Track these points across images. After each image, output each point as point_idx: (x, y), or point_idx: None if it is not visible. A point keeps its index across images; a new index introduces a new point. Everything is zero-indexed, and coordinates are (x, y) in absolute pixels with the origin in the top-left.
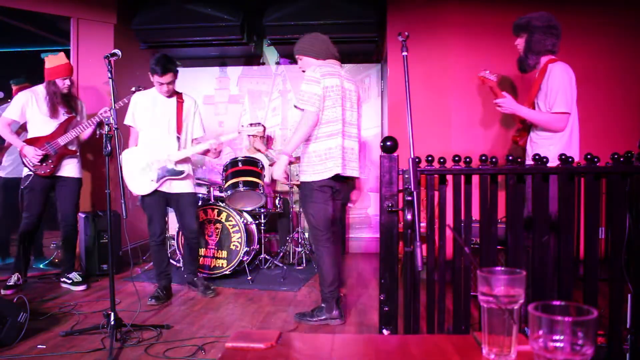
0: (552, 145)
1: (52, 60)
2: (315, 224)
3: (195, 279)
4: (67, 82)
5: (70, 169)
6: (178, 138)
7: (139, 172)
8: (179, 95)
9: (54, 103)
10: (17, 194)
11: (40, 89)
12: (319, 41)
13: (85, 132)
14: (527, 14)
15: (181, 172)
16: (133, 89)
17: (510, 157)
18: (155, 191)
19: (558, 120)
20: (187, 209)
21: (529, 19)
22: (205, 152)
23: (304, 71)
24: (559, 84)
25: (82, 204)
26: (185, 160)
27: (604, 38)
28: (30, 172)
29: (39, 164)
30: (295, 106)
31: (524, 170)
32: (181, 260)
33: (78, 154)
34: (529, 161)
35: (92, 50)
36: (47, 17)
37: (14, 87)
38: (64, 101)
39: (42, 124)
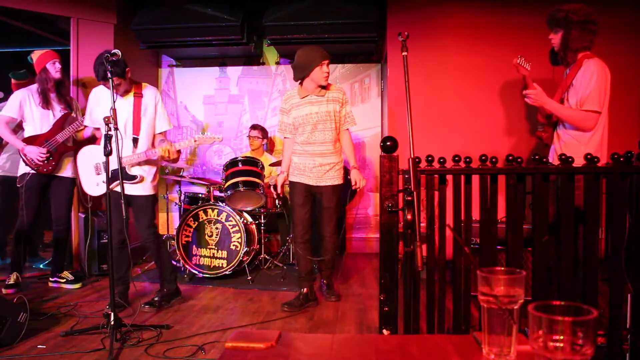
0: (583, 145)
1: (37, 53)
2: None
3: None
4: (57, 64)
5: (67, 168)
6: (135, 139)
7: (91, 171)
8: (137, 88)
9: (45, 90)
10: (13, 192)
11: (35, 86)
12: None
13: (86, 131)
14: (564, 5)
15: (134, 177)
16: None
17: (510, 157)
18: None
19: (588, 119)
20: (140, 212)
21: (566, 13)
22: (160, 158)
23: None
24: (592, 81)
25: (80, 204)
26: (141, 163)
27: (604, 38)
28: (29, 171)
29: (43, 162)
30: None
31: (524, 170)
32: (180, 260)
33: (74, 151)
34: (554, 159)
35: (92, 50)
36: (47, 17)
37: (13, 81)
38: (57, 91)
39: (38, 120)
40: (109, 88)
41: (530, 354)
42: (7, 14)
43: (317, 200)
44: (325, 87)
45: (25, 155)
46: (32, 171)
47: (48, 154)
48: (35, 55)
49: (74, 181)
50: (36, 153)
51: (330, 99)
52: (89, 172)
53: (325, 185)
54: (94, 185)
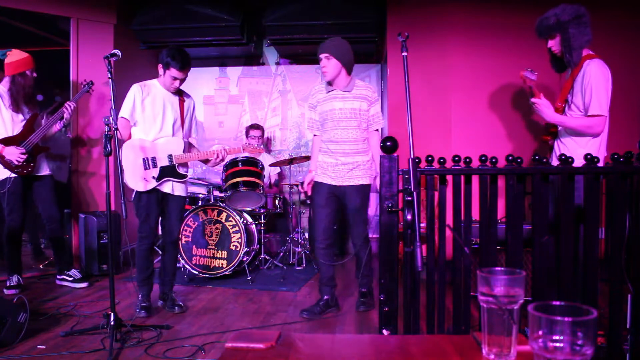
0: (581, 147)
1: (16, 54)
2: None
3: (165, 292)
4: (34, 73)
5: (44, 167)
6: (182, 138)
7: (139, 167)
8: (180, 93)
9: (18, 94)
10: None
11: (2, 88)
12: (352, 53)
13: (54, 127)
14: (547, 11)
15: (184, 176)
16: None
17: (510, 157)
18: (154, 189)
19: (596, 124)
20: (175, 212)
21: (555, 17)
22: (205, 160)
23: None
24: (595, 84)
25: (80, 204)
26: (185, 164)
27: (604, 38)
28: (11, 175)
29: (22, 163)
30: (377, 129)
31: (524, 171)
32: (180, 261)
33: (50, 150)
34: (555, 161)
35: (92, 50)
36: (47, 17)
37: None
38: (27, 96)
39: (10, 123)
40: (178, 78)
41: (530, 354)
42: (7, 14)
43: (342, 202)
44: (343, 82)
45: (4, 157)
46: (13, 175)
47: (27, 155)
48: (15, 56)
49: (53, 178)
50: (16, 154)
51: (357, 95)
52: (136, 166)
53: (349, 185)
54: (139, 179)
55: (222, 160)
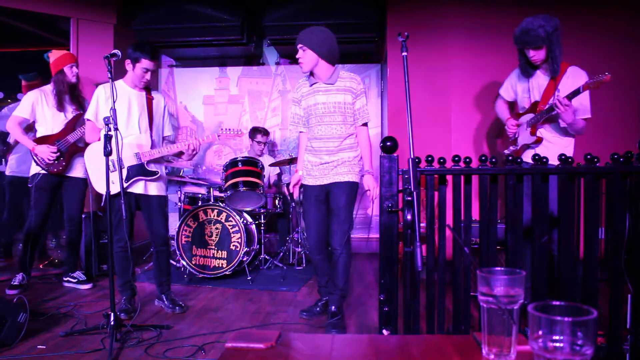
0: (569, 146)
1: (56, 53)
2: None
3: (162, 294)
4: (75, 69)
5: (78, 168)
6: (150, 136)
7: (103, 169)
8: (147, 90)
9: (60, 93)
10: (21, 192)
11: (48, 87)
12: (334, 42)
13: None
14: (527, 19)
15: (154, 173)
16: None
17: (510, 157)
18: (124, 192)
19: (585, 126)
20: (157, 213)
21: (542, 28)
22: (179, 154)
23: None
24: (586, 90)
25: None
26: (159, 161)
27: (603, 38)
28: (41, 171)
29: (53, 161)
30: (365, 124)
31: (524, 171)
32: (180, 261)
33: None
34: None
35: (92, 50)
36: (47, 17)
37: (23, 83)
38: (71, 93)
39: (51, 121)
40: (149, 70)
41: (530, 354)
42: (7, 14)
43: (328, 202)
44: (328, 73)
45: (36, 154)
46: (43, 171)
47: (58, 153)
48: (54, 55)
49: (86, 181)
50: (47, 152)
51: (341, 88)
52: (101, 169)
53: (333, 182)
54: (105, 183)
55: (196, 151)
